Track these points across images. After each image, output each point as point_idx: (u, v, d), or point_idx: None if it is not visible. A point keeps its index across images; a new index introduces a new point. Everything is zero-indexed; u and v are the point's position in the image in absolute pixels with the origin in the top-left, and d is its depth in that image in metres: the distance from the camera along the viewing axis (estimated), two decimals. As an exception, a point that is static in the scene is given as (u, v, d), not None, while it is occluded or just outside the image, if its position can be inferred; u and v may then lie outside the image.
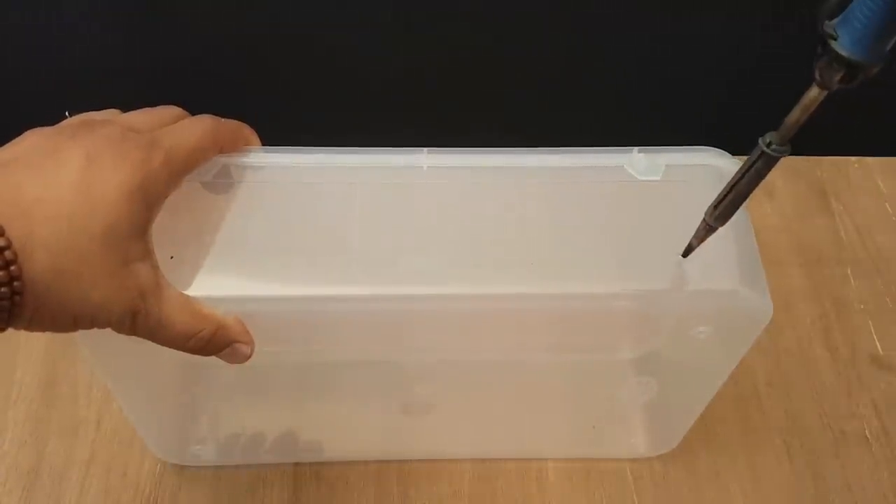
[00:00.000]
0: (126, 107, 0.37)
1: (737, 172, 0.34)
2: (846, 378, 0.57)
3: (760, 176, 0.33)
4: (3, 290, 0.28)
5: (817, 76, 0.29)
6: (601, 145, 0.42)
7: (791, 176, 0.68)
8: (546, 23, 0.60)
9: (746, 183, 0.33)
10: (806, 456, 0.54)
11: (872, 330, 0.60)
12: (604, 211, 0.41)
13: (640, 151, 0.41)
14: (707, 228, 0.36)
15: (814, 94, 0.29)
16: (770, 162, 0.32)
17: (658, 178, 0.40)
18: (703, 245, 0.37)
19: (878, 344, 0.59)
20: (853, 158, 0.70)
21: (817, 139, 0.71)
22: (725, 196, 0.34)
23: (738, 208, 0.35)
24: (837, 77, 0.28)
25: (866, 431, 0.55)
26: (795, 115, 0.31)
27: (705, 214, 0.36)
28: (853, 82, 0.28)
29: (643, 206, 0.40)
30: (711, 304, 0.39)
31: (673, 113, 0.67)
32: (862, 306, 0.61)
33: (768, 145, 0.32)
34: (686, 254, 0.37)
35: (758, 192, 0.68)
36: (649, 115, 0.66)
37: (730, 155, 0.41)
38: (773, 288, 0.39)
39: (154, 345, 0.35)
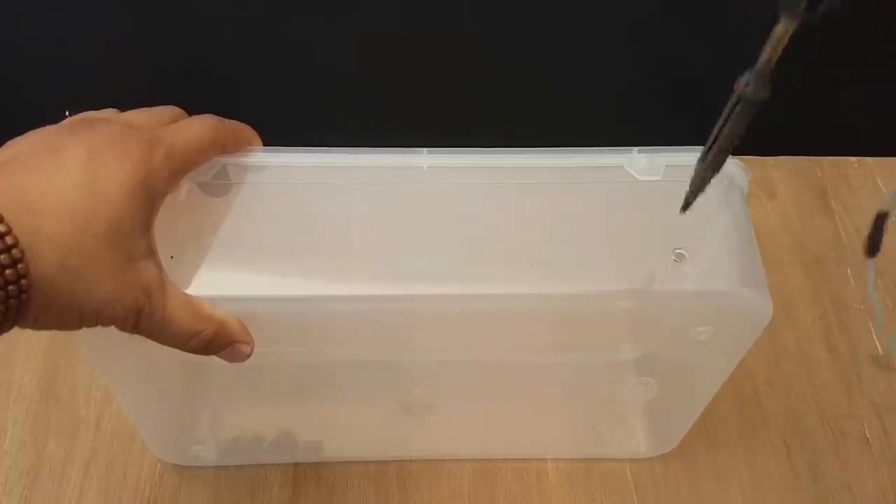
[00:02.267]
0: (126, 107, 0.37)
1: (720, 118, 0.32)
2: (846, 378, 0.57)
3: (743, 120, 0.31)
4: (10, 288, 0.28)
5: (781, 4, 0.28)
6: (601, 145, 0.42)
7: (791, 176, 0.68)
8: (546, 23, 0.60)
9: (729, 130, 0.32)
10: (806, 456, 0.54)
11: (872, 330, 0.60)
12: (604, 211, 0.40)
13: (640, 151, 0.41)
14: (701, 179, 0.35)
15: (781, 28, 0.28)
16: (748, 106, 0.31)
17: (658, 178, 0.40)
18: (703, 245, 0.37)
19: (877, 344, 0.59)
20: (853, 158, 0.70)
21: (817, 139, 0.71)
22: (712, 145, 0.33)
23: (726, 156, 0.33)
24: (802, 4, 0.27)
25: (866, 431, 0.55)
26: (767, 52, 0.29)
27: (697, 163, 0.34)
28: (818, 9, 0.27)
29: (643, 206, 0.40)
30: (711, 305, 0.39)
31: (673, 113, 0.67)
32: (862, 306, 0.61)
33: (745, 86, 0.30)
34: (684, 208, 0.36)
35: (758, 193, 0.69)
36: (649, 115, 0.66)
37: (729, 155, 0.41)
38: (773, 288, 0.39)
39: (154, 345, 0.35)
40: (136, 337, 0.34)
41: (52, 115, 0.36)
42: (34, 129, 0.34)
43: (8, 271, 0.28)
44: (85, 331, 0.32)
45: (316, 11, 0.58)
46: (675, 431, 0.52)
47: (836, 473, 0.53)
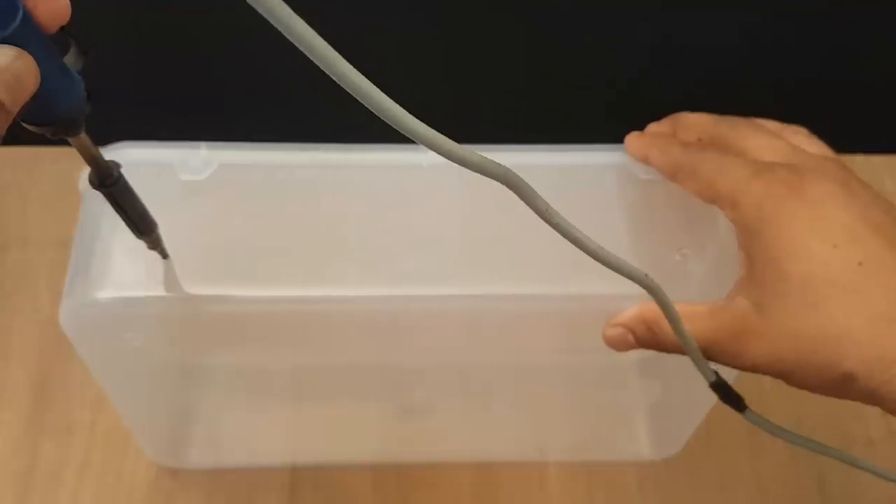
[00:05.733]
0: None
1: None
2: (852, 380, 0.57)
3: (119, 202, 0.33)
4: None
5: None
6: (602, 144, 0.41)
7: (795, 175, 0.68)
8: (548, 21, 0.60)
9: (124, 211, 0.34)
10: (811, 459, 0.53)
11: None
12: (605, 210, 0.40)
13: (642, 150, 0.41)
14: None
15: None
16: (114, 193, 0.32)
17: (660, 176, 0.40)
18: (707, 244, 0.37)
19: (884, 345, 0.58)
20: (859, 157, 0.69)
21: (820, 138, 0.71)
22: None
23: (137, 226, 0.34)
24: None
25: (871, 434, 0.55)
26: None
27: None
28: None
29: (646, 206, 0.40)
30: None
31: (674, 113, 0.66)
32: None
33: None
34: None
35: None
36: (650, 114, 0.66)
37: None
38: (777, 288, 0.38)
39: (150, 346, 0.34)
40: (131, 338, 0.33)
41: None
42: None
43: None
44: (79, 332, 0.31)
45: (316, 7, 0.58)
46: (678, 434, 0.51)
47: (840, 476, 0.53)
